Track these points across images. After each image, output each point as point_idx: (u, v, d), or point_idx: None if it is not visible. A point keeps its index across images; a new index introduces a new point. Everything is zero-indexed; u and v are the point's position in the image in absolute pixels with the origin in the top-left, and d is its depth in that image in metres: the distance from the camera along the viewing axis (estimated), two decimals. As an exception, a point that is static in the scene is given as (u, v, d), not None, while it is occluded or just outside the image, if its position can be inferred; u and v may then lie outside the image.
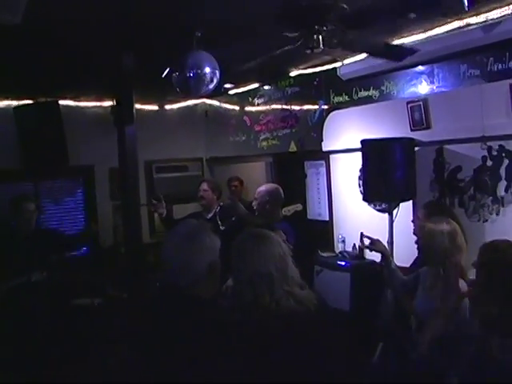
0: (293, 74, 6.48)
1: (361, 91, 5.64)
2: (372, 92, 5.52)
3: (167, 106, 8.25)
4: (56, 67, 5.71)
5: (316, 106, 6.22)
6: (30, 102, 7.08)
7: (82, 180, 7.88)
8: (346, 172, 6.04)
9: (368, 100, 5.59)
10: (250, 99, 7.31)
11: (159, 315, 2.48)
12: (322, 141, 6.14)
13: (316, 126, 6.22)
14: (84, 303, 6.43)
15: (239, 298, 2.66)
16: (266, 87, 7.06)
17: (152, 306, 2.64)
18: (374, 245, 4.46)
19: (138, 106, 7.66)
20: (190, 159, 8.34)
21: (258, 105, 7.17)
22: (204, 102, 8.41)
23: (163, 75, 4.98)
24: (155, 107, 8.09)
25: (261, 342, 2.45)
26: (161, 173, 7.95)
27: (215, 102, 8.26)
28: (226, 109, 7.99)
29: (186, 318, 2.44)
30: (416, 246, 4.24)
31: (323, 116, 6.14)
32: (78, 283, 6.68)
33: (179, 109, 8.34)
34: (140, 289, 4.90)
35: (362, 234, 4.63)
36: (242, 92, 7.40)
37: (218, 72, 4.29)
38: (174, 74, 4.38)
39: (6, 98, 7.12)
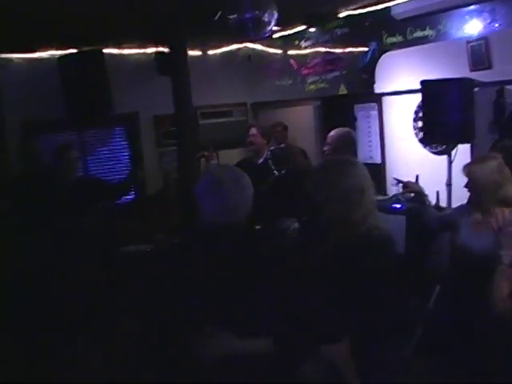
0: (342, 15, 6.31)
1: (416, 31, 5.43)
2: (428, 32, 5.32)
3: (210, 51, 8.14)
4: (99, 15, 5.65)
5: (367, 48, 6.06)
6: (73, 51, 7.03)
7: (127, 128, 7.87)
8: (400, 114, 5.92)
9: (424, 40, 5.39)
10: (297, 42, 7.14)
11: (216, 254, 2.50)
12: (373, 83, 6.00)
13: (367, 67, 6.06)
14: (134, 250, 6.50)
15: (330, 215, 2.83)
16: (313, 29, 6.88)
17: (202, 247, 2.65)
18: (408, 187, 4.44)
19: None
20: (234, 104, 8.25)
21: (305, 48, 7.01)
22: (246, 47, 8.25)
23: (215, 18, 4.89)
24: (198, 52, 7.96)
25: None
26: (206, 119, 7.88)
27: (258, 46, 8.10)
28: (269, 53, 7.85)
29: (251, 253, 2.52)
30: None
31: (375, 57, 5.98)
32: (126, 230, 6.75)
33: (222, 54, 8.20)
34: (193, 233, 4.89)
35: (394, 178, 4.57)
36: (288, 35, 7.24)
37: (276, 13, 4.17)
38: (229, 17, 4.26)
39: (50, 48, 7.10)
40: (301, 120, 7.23)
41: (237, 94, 8.22)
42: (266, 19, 4.16)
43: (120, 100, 7.05)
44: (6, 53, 6.94)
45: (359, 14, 6.05)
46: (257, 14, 4.11)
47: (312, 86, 6.96)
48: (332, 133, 5.18)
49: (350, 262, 2.70)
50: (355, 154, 5.28)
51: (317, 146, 6.97)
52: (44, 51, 7.07)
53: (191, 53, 7.85)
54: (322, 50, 6.71)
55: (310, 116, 7.15)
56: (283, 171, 5.49)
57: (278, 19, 4.28)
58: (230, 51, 8.25)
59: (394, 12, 5.55)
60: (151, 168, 7.71)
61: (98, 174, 7.60)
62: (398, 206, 5.63)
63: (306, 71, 7.03)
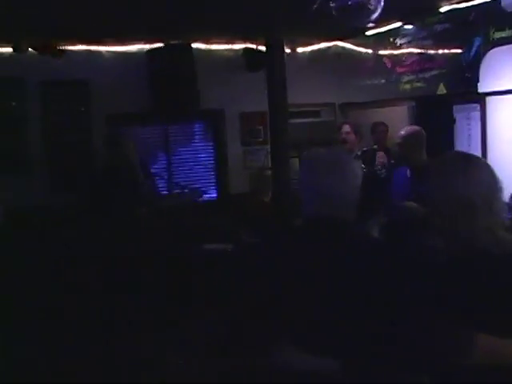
0: (443, 9, 5.94)
1: (529, 24, 5.05)
2: (545, 25, 4.92)
3: (299, 49, 7.91)
4: (188, 8, 5.51)
5: (470, 44, 5.67)
6: (162, 45, 6.93)
7: (212, 124, 7.72)
8: (507, 115, 5.48)
9: (538, 34, 5.00)
10: (391, 39, 6.80)
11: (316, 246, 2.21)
12: (477, 82, 5.59)
13: (471, 65, 5.67)
14: (216, 249, 6.32)
15: (435, 224, 2.31)
16: (409, 26, 6.54)
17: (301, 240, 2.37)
18: None
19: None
20: (322, 104, 7.98)
21: (401, 45, 6.66)
22: (337, 45, 7.98)
23: (314, 6, 4.65)
24: (287, 50, 7.71)
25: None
26: (293, 118, 7.60)
27: (349, 45, 7.82)
28: (361, 51, 7.54)
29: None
30: None
31: (480, 54, 5.58)
32: (209, 228, 6.57)
33: (311, 52, 7.96)
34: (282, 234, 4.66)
35: None
36: (382, 32, 6.92)
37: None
38: (331, 3, 3.99)
39: (139, 42, 7.03)
40: (394, 121, 6.87)
41: (325, 94, 7.92)
42: (372, 5, 3.88)
43: (206, 96, 6.93)
44: (95, 45, 6.93)
45: (463, 8, 5.69)
46: (362, -1, 3.83)
47: (407, 86, 6.60)
48: (402, 131, 4.97)
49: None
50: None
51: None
52: (133, 44, 7.02)
53: (280, 50, 7.74)
54: (420, 47, 6.35)
55: (404, 117, 6.78)
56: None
57: (383, 7, 3.98)
58: (320, 49, 8.01)
59: (504, 3, 5.15)
60: (236, 166, 7.54)
61: (180, 169, 7.48)
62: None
63: (401, 70, 6.68)
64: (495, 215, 2.27)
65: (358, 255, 2.19)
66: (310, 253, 2.22)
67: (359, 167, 2.35)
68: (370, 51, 7.33)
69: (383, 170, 5.32)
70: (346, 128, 5.80)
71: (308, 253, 2.22)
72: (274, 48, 4.63)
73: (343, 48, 7.91)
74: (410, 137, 4.88)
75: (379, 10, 3.96)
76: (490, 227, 2.24)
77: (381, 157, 5.56)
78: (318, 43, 7.91)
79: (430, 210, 2.39)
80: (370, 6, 3.85)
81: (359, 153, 5.73)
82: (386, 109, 7.11)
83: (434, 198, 2.35)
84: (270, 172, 6.88)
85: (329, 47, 7.99)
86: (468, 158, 2.39)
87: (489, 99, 5.64)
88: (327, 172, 2.26)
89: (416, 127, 5.24)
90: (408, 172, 4.91)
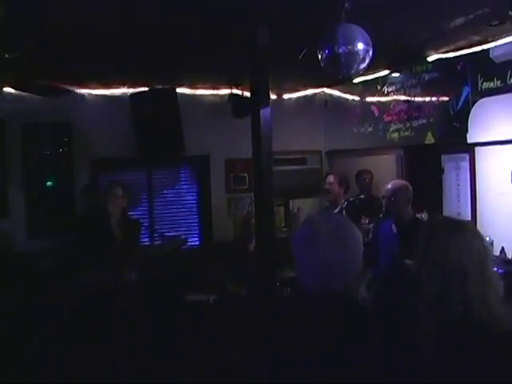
0: (431, 58, 5.90)
1: (518, 76, 4.98)
2: (533, 76, 4.86)
3: (285, 95, 7.84)
4: (173, 54, 5.44)
5: (459, 94, 5.60)
6: (146, 89, 6.83)
7: (196, 170, 7.59)
8: (497, 166, 5.37)
9: (527, 86, 4.92)
10: (379, 87, 6.74)
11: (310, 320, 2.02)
12: (466, 132, 5.50)
13: (459, 115, 5.58)
14: (198, 299, 6.11)
15: (424, 291, 2.16)
16: (397, 74, 6.49)
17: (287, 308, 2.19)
18: None
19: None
20: (308, 151, 7.88)
21: (388, 93, 6.59)
22: (323, 92, 7.93)
23: (300, 55, 4.58)
24: (273, 96, 7.64)
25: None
26: (279, 165, 7.49)
27: (336, 92, 7.77)
28: (348, 98, 7.48)
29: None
30: None
31: (468, 104, 5.50)
32: (191, 278, 6.38)
33: (298, 98, 7.91)
34: (268, 287, 4.48)
35: None
36: (369, 80, 6.86)
37: (371, 49, 3.78)
38: (320, 52, 3.88)
39: (123, 85, 6.93)
40: (381, 170, 6.77)
41: (312, 141, 7.85)
42: (361, 55, 3.78)
43: (191, 141, 6.80)
44: (79, 88, 6.81)
45: (451, 57, 5.64)
46: (350, 48, 3.73)
47: (395, 134, 6.51)
48: (390, 185, 4.85)
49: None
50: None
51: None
52: (116, 88, 6.91)
53: (266, 96, 7.65)
54: (408, 95, 6.28)
55: (392, 166, 6.68)
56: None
57: (371, 57, 3.89)
58: (306, 96, 7.95)
59: (493, 54, 5.10)
60: (220, 213, 7.39)
61: (163, 215, 7.32)
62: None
63: (388, 118, 6.60)
64: (487, 283, 2.14)
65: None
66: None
67: (355, 238, 2.17)
68: (357, 98, 7.28)
69: (370, 225, 5.17)
70: (330, 178, 5.75)
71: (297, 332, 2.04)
72: (260, 94, 4.49)
73: (330, 95, 7.86)
74: (397, 191, 4.76)
75: (367, 60, 3.87)
76: (484, 298, 2.10)
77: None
78: (305, 89, 7.85)
79: (419, 272, 2.25)
80: (358, 56, 3.75)
81: (344, 204, 5.61)
82: (374, 157, 7.02)
83: (424, 260, 2.23)
84: (253, 220, 6.76)
85: (315, 94, 7.94)
86: (459, 223, 2.29)
87: (478, 149, 5.56)
88: (330, 243, 2.08)
89: (403, 182, 5.15)
90: (393, 227, 4.79)
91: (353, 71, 3.91)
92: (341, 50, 3.73)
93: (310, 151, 7.91)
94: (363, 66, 3.88)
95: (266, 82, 4.54)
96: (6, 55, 5.01)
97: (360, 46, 3.72)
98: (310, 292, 2.06)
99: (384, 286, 4.31)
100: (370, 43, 3.78)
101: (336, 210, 5.62)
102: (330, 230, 2.08)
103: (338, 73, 3.93)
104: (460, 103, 5.58)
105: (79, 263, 5.33)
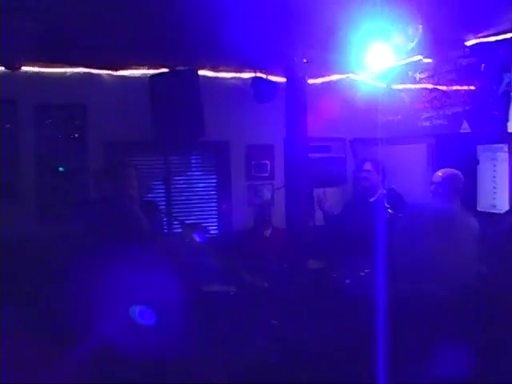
0: (469, 43, 5.58)
1: None
2: None
3: (310, 81, 7.52)
4: (195, 33, 5.14)
5: (500, 80, 5.28)
6: (166, 70, 6.52)
7: (216, 157, 7.30)
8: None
9: None
10: (410, 73, 6.43)
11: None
12: (506, 121, 5.19)
13: (499, 103, 5.28)
14: (217, 290, 5.84)
15: None
16: (429, 60, 6.17)
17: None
18: None
19: (277, 78, 7.07)
20: (332, 139, 7.57)
21: (420, 80, 6.29)
22: (349, 78, 7.61)
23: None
24: (297, 81, 7.36)
25: None
26: (301, 153, 7.21)
27: (362, 78, 7.45)
28: (375, 85, 7.16)
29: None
30: None
31: (509, 91, 5.19)
32: (208, 268, 6.11)
33: (322, 84, 7.58)
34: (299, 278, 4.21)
35: None
36: (399, 66, 6.54)
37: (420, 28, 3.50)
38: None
39: (142, 67, 6.63)
40: (410, 159, 6.45)
41: (335, 129, 7.53)
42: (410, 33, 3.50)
43: (210, 126, 6.49)
44: (95, 68, 6.53)
45: (492, 42, 5.33)
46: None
47: (426, 123, 6.21)
48: (440, 173, 4.53)
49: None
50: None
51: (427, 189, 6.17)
52: (135, 69, 6.62)
53: (290, 81, 7.34)
54: (442, 82, 5.97)
55: (422, 156, 6.35)
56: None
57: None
58: (331, 82, 7.63)
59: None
60: (240, 201, 7.12)
61: (181, 202, 7.04)
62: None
63: (419, 106, 6.29)
64: None
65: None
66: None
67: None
68: (385, 85, 6.96)
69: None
70: (368, 165, 5.38)
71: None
72: (296, 78, 4.20)
73: (356, 81, 7.55)
74: (446, 180, 4.44)
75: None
76: None
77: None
78: (330, 75, 7.54)
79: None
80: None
81: (382, 192, 5.30)
82: (402, 146, 6.68)
83: None
84: (271, 208, 6.50)
85: (340, 79, 7.62)
86: None
87: (519, 140, 5.26)
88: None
89: (454, 171, 4.87)
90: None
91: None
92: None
93: (334, 139, 7.60)
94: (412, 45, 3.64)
95: (302, 65, 4.24)
96: (22, 30, 4.74)
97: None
98: None
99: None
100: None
101: (373, 199, 5.33)
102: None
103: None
104: (500, 90, 5.27)
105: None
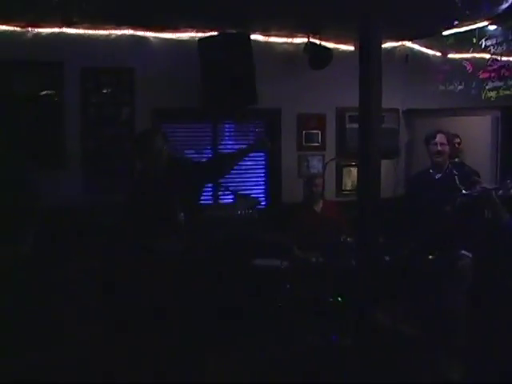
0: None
1: None
2: None
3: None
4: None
5: None
6: (216, 33, 6.23)
7: (266, 125, 7.02)
8: None
9: None
10: (475, 40, 6.07)
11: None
12: None
13: None
14: (269, 265, 5.64)
15: None
16: (495, 26, 5.81)
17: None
18: None
19: (330, 44, 6.76)
20: (386, 109, 7.23)
21: (486, 47, 5.92)
22: (404, 45, 7.26)
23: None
24: (351, 47, 7.02)
25: None
26: (354, 122, 6.89)
27: (418, 46, 7.10)
28: (433, 53, 6.82)
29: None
30: None
31: None
32: (258, 241, 5.91)
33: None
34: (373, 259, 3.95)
35: None
36: (462, 32, 6.20)
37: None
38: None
39: (190, 29, 6.35)
40: (473, 133, 6.11)
41: (388, 99, 7.18)
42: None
43: (261, 93, 6.20)
44: (141, 30, 6.27)
45: None
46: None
47: (491, 93, 5.86)
48: None
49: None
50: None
51: (492, 165, 5.86)
52: (183, 31, 6.34)
53: (343, 47, 7.03)
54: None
55: (487, 129, 6.00)
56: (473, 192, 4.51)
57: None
58: (385, 49, 7.27)
59: None
60: (290, 173, 6.89)
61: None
62: None
63: (485, 75, 5.94)
64: None
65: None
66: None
67: None
68: (445, 53, 6.61)
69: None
70: (442, 138, 5.03)
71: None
72: (371, 37, 3.90)
73: (412, 49, 7.20)
74: None
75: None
76: None
77: None
78: (383, 42, 7.18)
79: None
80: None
81: (449, 168, 5.01)
82: (463, 118, 6.34)
83: None
84: (322, 181, 6.23)
85: (395, 47, 7.27)
86: None
87: None
88: None
89: None
90: None
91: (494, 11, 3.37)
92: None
93: (386, 109, 7.25)
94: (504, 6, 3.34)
95: (378, 27, 3.94)
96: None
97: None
98: None
99: None
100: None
101: (439, 175, 5.05)
102: None
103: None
104: None
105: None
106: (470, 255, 4.80)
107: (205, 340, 4.44)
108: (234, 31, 6.15)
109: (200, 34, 6.32)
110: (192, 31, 6.36)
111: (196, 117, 6.60)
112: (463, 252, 4.82)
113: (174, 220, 4.28)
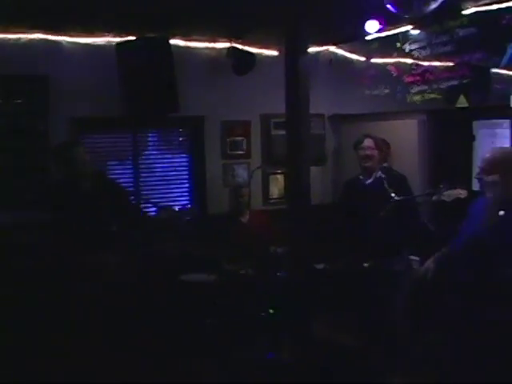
0: (468, 11, 5.22)
1: None
2: None
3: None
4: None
5: (503, 51, 4.93)
6: (134, 38, 5.95)
7: (189, 133, 6.77)
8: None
9: None
10: (399, 45, 6.03)
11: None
12: (510, 94, 4.85)
13: (501, 75, 4.93)
14: (196, 280, 5.40)
15: None
16: (419, 31, 5.80)
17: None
18: None
19: (254, 49, 6.61)
20: (311, 114, 7.11)
21: (411, 51, 5.89)
22: (328, 50, 7.18)
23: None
24: (274, 52, 6.87)
25: None
26: (279, 129, 6.75)
27: (342, 51, 7.03)
28: (358, 58, 6.77)
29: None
30: None
31: (513, 63, 4.85)
32: (184, 255, 5.66)
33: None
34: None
35: None
36: (386, 36, 6.16)
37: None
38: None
39: (107, 34, 6.04)
40: (398, 137, 6.06)
41: (313, 104, 7.07)
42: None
43: (183, 100, 5.97)
44: (55, 35, 5.91)
45: (493, 10, 4.97)
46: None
47: (417, 97, 5.83)
48: (489, 155, 3.70)
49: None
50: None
51: (419, 169, 5.82)
52: (101, 36, 6.02)
53: (266, 52, 6.87)
54: (436, 54, 5.60)
55: (414, 132, 5.96)
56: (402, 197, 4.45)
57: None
58: (309, 54, 7.16)
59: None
60: (215, 183, 6.67)
61: (151, 183, 6.52)
62: None
63: (410, 79, 5.91)
64: None
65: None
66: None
67: None
68: (369, 58, 6.57)
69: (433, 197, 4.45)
70: (369, 142, 4.95)
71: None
72: (297, 38, 3.75)
73: (336, 54, 7.12)
74: (499, 161, 3.62)
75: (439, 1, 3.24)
76: None
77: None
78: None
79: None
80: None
81: (379, 173, 4.92)
82: (389, 122, 6.29)
83: None
84: (248, 190, 6.06)
85: (319, 52, 7.17)
86: None
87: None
88: None
89: (507, 148, 4.42)
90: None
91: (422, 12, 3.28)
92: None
93: (311, 115, 7.14)
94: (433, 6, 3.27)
95: (305, 32, 3.79)
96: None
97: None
98: None
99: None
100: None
101: (369, 181, 4.95)
102: None
103: (409, 12, 3.27)
104: (503, 62, 4.92)
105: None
106: (418, 259, 4.73)
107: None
108: (154, 35, 5.90)
109: (117, 39, 6.03)
110: (109, 35, 6.06)
111: (116, 126, 6.29)
112: (410, 257, 4.77)
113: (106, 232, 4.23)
